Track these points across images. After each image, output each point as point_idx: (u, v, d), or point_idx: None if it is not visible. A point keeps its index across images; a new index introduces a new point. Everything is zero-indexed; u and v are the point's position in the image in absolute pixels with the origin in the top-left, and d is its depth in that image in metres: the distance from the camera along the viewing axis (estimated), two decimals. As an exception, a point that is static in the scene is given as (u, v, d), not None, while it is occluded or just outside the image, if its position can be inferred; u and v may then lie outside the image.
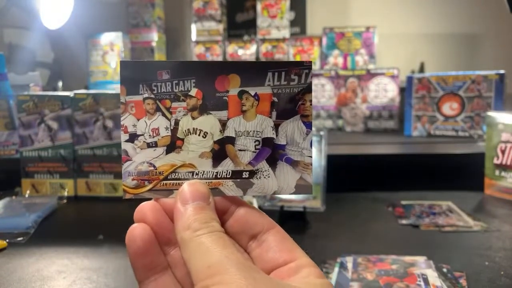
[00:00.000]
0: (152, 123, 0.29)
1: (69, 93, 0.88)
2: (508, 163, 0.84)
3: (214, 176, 0.29)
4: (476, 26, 1.92)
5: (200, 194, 0.27)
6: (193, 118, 0.29)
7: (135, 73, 0.29)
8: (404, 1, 1.99)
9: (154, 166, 0.29)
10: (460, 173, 0.95)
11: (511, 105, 1.38)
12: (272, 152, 0.29)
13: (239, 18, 2.06)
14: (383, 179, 0.95)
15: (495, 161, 0.87)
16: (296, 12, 2.02)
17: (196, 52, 1.84)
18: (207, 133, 0.29)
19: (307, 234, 0.67)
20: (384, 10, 1.97)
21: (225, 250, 0.24)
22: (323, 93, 1.58)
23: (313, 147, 0.30)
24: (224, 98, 0.29)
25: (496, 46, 1.89)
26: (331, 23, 1.82)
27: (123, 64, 0.29)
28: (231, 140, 0.29)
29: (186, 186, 0.27)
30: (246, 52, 1.82)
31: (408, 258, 0.55)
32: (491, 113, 0.89)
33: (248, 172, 0.29)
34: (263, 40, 1.81)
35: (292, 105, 0.29)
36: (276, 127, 0.29)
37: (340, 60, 1.75)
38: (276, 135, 0.29)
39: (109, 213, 0.81)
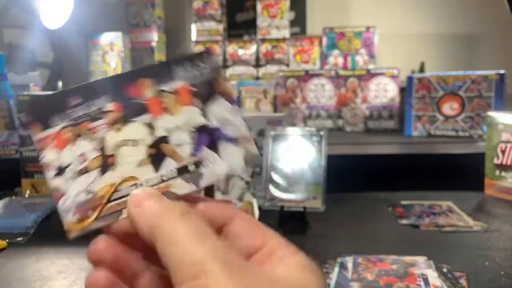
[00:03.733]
0: (77, 150, 0.28)
1: (69, 93, 0.88)
2: (508, 163, 0.84)
3: (160, 181, 0.27)
4: (476, 26, 1.92)
5: (151, 193, 0.25)
6: (118, 130, 0.28)
7: (45, 107, 0.27)
8: (404, 1, 1.99)
9: (93, 192, 0.27)
10: (460, 173, 0.95)
11: (511, 105, 1.38)
12: (209, 136, 0.29)
13: (239, 18, 2.06)
14: (383, 179, 0.95)
15: (495, 161, 0.87)
16: (296, 12, 2.02)
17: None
18: (137, 140, 0.28)
19: (307, 234, 0.67)
20: (384, 10, 1.97)
21: (207, 240, 0.22)
22: (323, 93, 1.58)
23: (245, 123, 0.29)
24: (142, 102, 0.28)
25: (496, 46, 1.89)
26: (331, 23, 1.82)
27: (28, 105, 0.28)
28: (164, 139, 0.28)
29: (133, 196, 0.25)
30: (246, 52, 1.82)
31: (408, 258, 0.55)
32: (491, 113, 0.89)
33: (193, 164, 0.28)
34: (263, 40, 1.82)
35: (210, 89, 0.29)
36: (203, 112, 0.29)
37: (340, 60, 1.75)
38: (207, 120, 0.29)
39: (109, 213, 0.81)
